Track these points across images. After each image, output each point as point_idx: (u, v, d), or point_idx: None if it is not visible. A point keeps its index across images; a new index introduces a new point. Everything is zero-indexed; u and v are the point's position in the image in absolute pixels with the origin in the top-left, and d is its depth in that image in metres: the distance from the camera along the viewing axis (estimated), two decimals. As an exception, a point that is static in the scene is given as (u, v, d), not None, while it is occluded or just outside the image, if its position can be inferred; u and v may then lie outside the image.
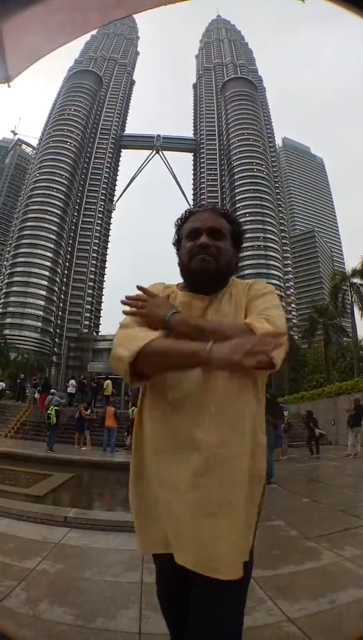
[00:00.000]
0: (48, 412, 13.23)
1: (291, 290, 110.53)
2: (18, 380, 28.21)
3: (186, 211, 1.67)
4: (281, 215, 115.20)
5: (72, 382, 22.83)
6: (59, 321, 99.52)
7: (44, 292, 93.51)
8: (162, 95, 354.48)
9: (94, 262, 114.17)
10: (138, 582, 2.97)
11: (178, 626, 1.68)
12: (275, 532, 4.76)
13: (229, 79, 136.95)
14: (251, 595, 2.74)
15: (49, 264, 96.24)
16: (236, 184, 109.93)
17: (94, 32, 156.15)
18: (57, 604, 2.51)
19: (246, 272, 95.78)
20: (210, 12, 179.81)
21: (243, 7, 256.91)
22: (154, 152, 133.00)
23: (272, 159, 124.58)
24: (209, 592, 1.30)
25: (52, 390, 17.00)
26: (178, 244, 1.64)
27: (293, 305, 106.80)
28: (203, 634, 1.30)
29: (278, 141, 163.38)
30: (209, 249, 1.50)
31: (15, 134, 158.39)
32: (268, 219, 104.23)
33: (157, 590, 1.74)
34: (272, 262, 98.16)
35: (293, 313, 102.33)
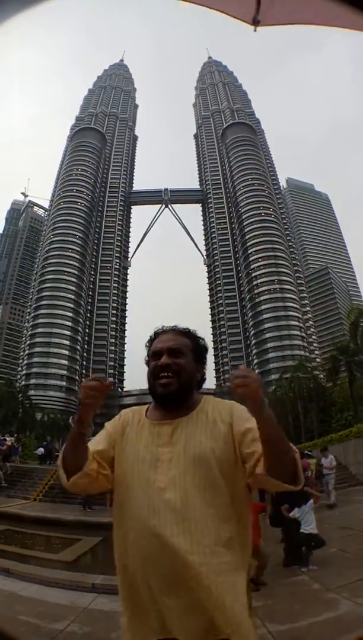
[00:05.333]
0: None
1: (312, 329, 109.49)
2: (44, 443, 28.49)
3: (152, 334, 1.79)
4: (293, 255, 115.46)
5: None
6: (83, 379, 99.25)
7: (66, 352, 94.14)
8: (166, 148, 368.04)
9: (114, 318, 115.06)
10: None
11: None
12: (298, 587, 4.84)
13: (227, 125, 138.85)
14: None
15: (69, 323, 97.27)
16: (246, 230, 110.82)
17: (90, 85, 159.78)
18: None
19: (265, 316, 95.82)
20: (201, 54, 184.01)
21: (230, 46, 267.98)
22: (163, 206, 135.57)
23: (279, 201, 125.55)
24: None
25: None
26: (148, 364, 1.75)
27: (315, 344, 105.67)
28: None
29: (282, 182, 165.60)
30: (170, 367, 1.64)
31: (25, 195, 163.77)
32: (282, 262, 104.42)
33: None
34: (290, 304, 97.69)
35: (316, 352, 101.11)
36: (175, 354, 1.67)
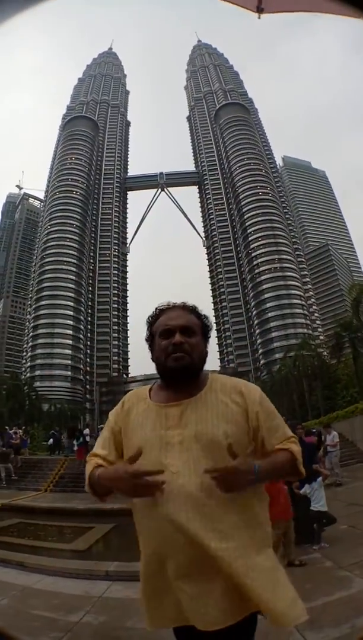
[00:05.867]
0: None
1: (314, 307, 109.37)
2: (52, 432, 28.71)
3: (156, 309, 1.75)
4: (292, 233, 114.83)
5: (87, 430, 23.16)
6: (88, 368, 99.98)
7: (69, 341, 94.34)
8: (159, 132, 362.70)
9: (116, 305, 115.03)
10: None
11: None
12: (310, 565, 4.87)
13: (221, 106, 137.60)
14: (282, 630, 2.91)
15: (71, 312, 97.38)
16: (244, 210, 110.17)
17: (80, 74, 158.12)
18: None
19: (266, 295, 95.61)
20: (190, 38, 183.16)
21: (219, 27, 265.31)
22: (160, 190, 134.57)
23: (276, 180, 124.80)
24: None
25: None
26: (150, 340, 1.72)
27: (318, 322, 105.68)
28: None
29: (279, 160, 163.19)
30: (184, 345, 1.59)
31: (20, 188, 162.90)
32: (281, 240, 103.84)
33: None
34: (291, 282, 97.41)
35: (319, 330, 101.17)
36: (188, 333, 1.63)
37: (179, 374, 1.60)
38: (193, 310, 1.73)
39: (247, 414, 1.56)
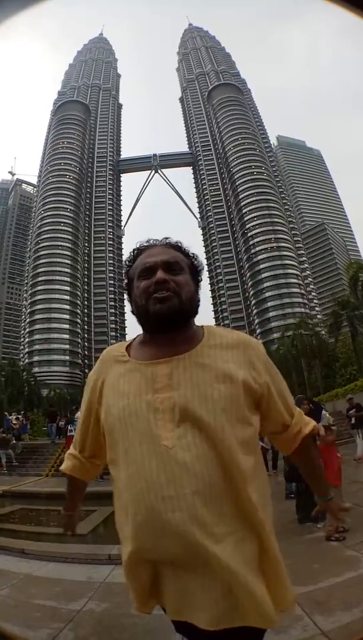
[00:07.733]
0: None
1: (311, 286, 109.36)
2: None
3: (134, 249, 1.47)
4: (288, 213, 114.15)
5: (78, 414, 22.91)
6: (86, 351, 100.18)
7: (67, 325, 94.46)
8: (152, 115, 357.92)
9: (112, 288, 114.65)
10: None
11: None
12: (316, 544, 4.80)
13: (213, 86, 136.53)
14: (289, 613, 2.83)
15: (67, 297, 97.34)
16: (239, 190, 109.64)
17: (70, 60, 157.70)
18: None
19: (263, 275, 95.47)
20: (181, 22, 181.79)
21: (210, 10, 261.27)
22: (153, 171, 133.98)
23: (270, 159, 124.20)
24: None
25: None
26: (129, 287, 1.45)
27: (315, 301, 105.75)
28: None
29: (273, 140, 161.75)
30: (168, 284, 1.32)
31: (13, 174, 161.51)
32: (277, 219, 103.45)
33: None
34: (288, 262, 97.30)
35: (317, 309, 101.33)
36: (172, 270, 1.36)
37: (166, 320, 1.30)
38: (178, 247, 1.45)
39: (251, 375, 1.30)
